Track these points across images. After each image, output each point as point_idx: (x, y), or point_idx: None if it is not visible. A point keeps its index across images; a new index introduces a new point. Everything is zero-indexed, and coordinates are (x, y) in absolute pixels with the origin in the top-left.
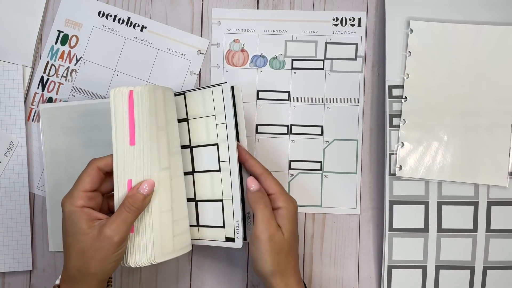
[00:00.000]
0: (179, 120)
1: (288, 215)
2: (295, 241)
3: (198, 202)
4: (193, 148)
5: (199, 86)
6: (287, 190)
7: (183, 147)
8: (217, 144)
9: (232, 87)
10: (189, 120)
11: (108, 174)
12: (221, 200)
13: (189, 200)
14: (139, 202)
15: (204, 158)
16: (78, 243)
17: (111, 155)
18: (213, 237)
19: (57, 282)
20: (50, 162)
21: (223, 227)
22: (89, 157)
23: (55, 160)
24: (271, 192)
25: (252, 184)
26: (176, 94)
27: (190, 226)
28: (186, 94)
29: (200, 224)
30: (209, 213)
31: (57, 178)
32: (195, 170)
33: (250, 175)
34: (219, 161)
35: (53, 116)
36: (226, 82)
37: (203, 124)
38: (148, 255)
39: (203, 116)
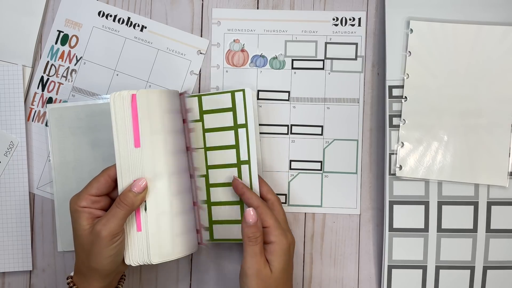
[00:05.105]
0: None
1: (278, 251)
2: (286, 278)
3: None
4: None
5: (199, 86)
6: (287, 191)
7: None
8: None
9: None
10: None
11: None
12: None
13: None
14: (129, 199)
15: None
16: (79, 239)
17: None
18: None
19: (71, 273)
20: (58, 162)
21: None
22: (97, 157)
23: (63, 160)
24: (266, 225)
25: (249, 218)
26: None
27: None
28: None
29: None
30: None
31: (65, 178)
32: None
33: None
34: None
35: (61, 116)
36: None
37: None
38: (145, 255)
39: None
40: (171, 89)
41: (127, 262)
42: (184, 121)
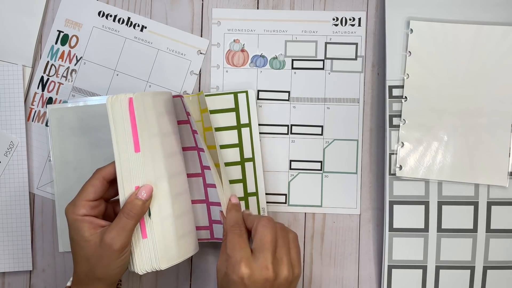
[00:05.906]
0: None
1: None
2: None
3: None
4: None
5: (199, 86)
6: (287, 190)
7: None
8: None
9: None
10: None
11: (112, 182)
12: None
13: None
14: (138, 208)
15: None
16: (82, 250)
17: (114, 163)
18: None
19: (69, 284)
20: (58, 162)
21: None
22: (98, 157)
23: (64, 160)
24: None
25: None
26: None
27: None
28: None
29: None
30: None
31: (66, 178)
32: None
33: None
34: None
35: (62, 117)
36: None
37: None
38: (153, 261)
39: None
40: (170, 90)
41: (135, 270)
42: (186, 122)
